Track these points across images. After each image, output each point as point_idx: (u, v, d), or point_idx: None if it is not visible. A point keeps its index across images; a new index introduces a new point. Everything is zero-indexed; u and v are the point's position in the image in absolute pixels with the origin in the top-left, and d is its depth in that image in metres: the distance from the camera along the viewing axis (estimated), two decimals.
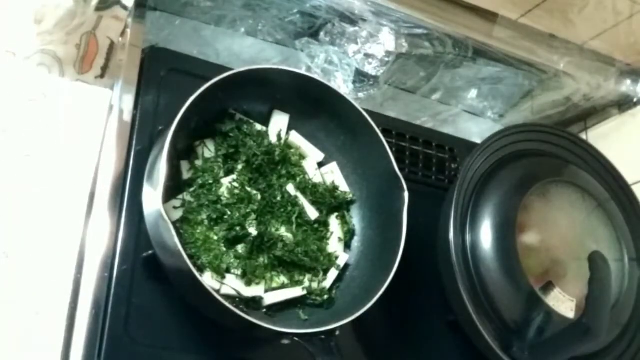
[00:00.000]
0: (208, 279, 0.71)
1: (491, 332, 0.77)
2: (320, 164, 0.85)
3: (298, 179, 0.82)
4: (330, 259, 0.79)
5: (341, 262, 0.80)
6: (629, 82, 1.08)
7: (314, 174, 0.83)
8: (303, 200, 0.80)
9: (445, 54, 0.99)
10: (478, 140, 1.02)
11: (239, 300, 0.72)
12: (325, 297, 0.77)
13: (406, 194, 0.76)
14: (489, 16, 0.98)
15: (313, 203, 0.81)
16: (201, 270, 0.71)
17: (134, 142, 0.76)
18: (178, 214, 0.73)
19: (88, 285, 0.68)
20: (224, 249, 0.73)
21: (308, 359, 0.68)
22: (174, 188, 0.73)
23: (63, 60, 0.82)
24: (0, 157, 0.74)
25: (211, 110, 0.77)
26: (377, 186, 0.82)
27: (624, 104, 1.10)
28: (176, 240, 0.62)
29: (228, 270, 0.72)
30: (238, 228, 0.74)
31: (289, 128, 0.84)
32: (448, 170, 1.00)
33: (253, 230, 0.74)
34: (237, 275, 0.73)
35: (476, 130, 1.17)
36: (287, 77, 0.78)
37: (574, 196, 0.87)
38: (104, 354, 0.66)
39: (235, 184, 0.76)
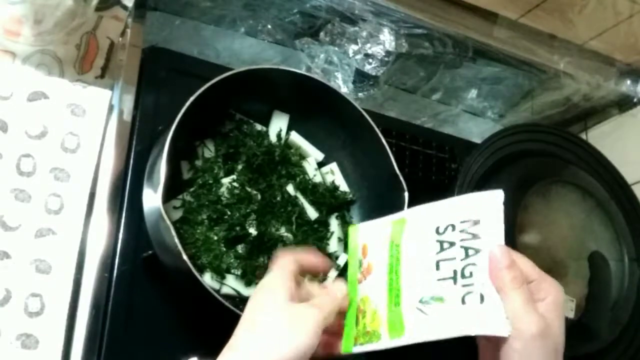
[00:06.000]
0: (208, 279, 0.71)
1: None
2: (320, 164, 0.85)
3: (298, 179, 0.82)
4: (330, 259, 0.79)
5: (341, 262, 0.80)
6: (629, 82, 1.08)
7: (314, 174, 0.83)
8: (303, 200, 0.80)
9: (445, 54, 0.99)
10: (478, 140, 1.02)
11: (239, 300, 0.72)
12: None
13: (406, 194, 0.76)
14: (489, 16, 0.98)
15: (313, 203, 0.81)
16: (201, 270, 0.71)
17: (134, 142, 0.76)
18: (178, 214, 0.73)
19: (88, 285, 0.68)
20: (224, 249, 0.73)
21: None
22: (174, 188, 0.73)
23: (63, 60, 0.82)
24: (0, 157, 0.74)
25: (211, 110, 0.77)
26: (377, 186, 0.82)
27: (624, 104, 1.10)
28: (176, 240, 0.62)
29: (228, 270, 0.72)
30: (238, 228, 0.74)
31: (289, 128, 0.84)
32: (448, 170, 1.00)
33: (253, 230, 0.74)
34: (237, 275, 0.73)
35: (476, 130, 1.17)
36: (287, 77, 0.78)
37: (574, 196, 0.87)
38: (104, 354, 0.66)
39: (235, 184, 0.76)
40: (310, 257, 0.61)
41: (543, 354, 0.50)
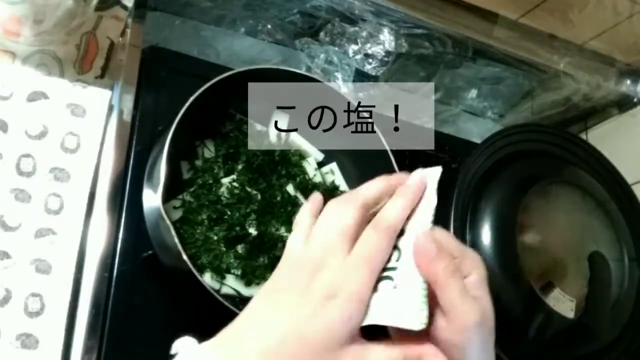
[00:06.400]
0: (208, 279, 0.71)
1: None
2: (320, 164, 0.85)
3: (298, 179, 0.82)
4: None
5: None
6: (629, 82, 1.07)
7: (314, 174, 0.83)
8: (303, 201, 0.80)
9: (445, 54, 0.99)
10: (478, 140, 1.02)
11: (239, 300, 0.72)
12: None
13: None
14: (489, 16, 0.98)
15: None
16: (201, 270, 0.71)
17: (134, 142, 0.76)
18: (178, 214, 0.73)
19: (88, 285, 0.68)
20: (224, 249, 0.73)
21: None
22: (174, 188, 0.73)
23: (63, 60, 0.82)
24: (0, 157, 0.74)
25: (211, 110, 0.77)
26: None
27: (624, 104, 1.10)
28: (176, 240, 0.62)
29: (228, 270, 0.72)
30: (238, 228, 0.74)
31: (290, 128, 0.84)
32: (448, 170, 0.99)
33: (253, 230, 0.74)
34: (237, 275, 0.73)
35: (476, 130, 1.17)
36: (287, 77, 0.78)
37: (574, 196, 0.87)
38: (104, 354, 0.66)
39: (235, 184, 0.76)
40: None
41: (482, 341, 0.47)
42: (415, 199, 0.51)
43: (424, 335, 0.47)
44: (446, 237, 0.51)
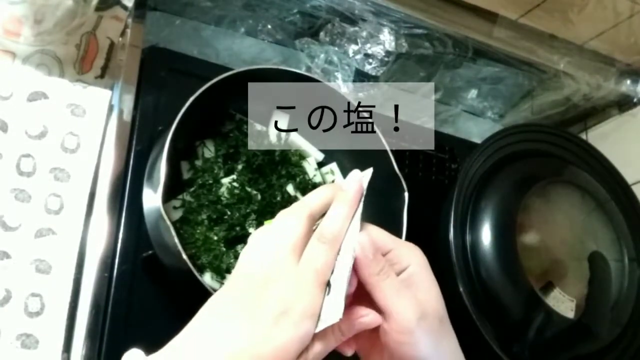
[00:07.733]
0: (208, 279, 0.71)
1: (491, 332, 0.77)
2: (320, 164, 0.85)
3: (298, 179, 0.82)
4: None
5: None
6: (629, 82, 1.07)
7: (314, 174, 0.83)
8: None
9: (445, 54, 0.99)
10: (478, 140, 1.02)
11: None
12: None
13: (406, 194, 0.76)
14: (489, 16, 0.98)
15: None
16: (201, 270, 0.71)
17: (134, 142, 0.76)
18: (178, 214, 0.73)
19: (88, 285, 0.68)
20: (224, 249, 0.73)
21: None
22: (174, 188, 0.73)
23: (63, 60, 0.82)
24: (0, 157, 0.74)
25: (211, 110, 0.77)
26: (377, 186, 0.82)
27: (624, 104, 1.10)
28: (176, 240, 0.62)
29: (228, 270, 0.72)
30: (238, 228, 0.74)
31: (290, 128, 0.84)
32: (448, 170, 1.00)
33: (253, 230, 0.74)
34: None
35: (476, 130, 1.17)
36: (287, 77, 0.78)
37: (574, 196, 0.87)
38: (103, 354, 0.66)
39: (235, 184, 0.76)
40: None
41: (430, 333, 0.48)
42: (355, 205, 0.52)
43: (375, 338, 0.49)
44: (378, 233, 0.52)
